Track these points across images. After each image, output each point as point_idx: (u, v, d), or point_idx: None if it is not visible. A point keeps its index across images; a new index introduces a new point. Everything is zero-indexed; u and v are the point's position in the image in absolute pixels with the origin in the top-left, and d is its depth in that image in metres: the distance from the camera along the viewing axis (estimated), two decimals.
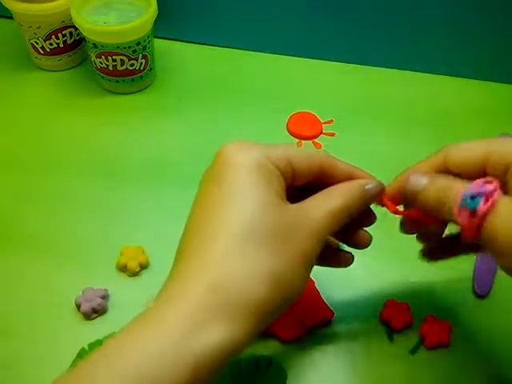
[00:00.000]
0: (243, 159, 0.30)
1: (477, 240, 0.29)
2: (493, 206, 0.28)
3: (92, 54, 0.55)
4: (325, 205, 0.31)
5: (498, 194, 0.29)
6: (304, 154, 0.33)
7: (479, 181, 0.30)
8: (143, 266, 0.44)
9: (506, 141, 0.33)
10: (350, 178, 0.34)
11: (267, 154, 0.31)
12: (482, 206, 0.28)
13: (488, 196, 0.28)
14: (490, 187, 0.29)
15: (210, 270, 0.28)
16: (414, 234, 0.37)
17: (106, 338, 0.39)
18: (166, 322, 0.27)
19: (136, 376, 0.25)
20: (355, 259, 0.44)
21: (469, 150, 0.33)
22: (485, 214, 0.28)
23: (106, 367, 0.26)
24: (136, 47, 0.54)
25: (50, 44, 0.58)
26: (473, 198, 0.29)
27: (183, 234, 0.31)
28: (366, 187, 0.34)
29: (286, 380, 0.38)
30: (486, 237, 0.29)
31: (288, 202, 0.31)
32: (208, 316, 0.26)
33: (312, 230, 0.30)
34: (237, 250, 0.28)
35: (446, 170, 0.34)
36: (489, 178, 0.30)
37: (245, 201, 0.29)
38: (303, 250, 0.30)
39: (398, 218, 0.47)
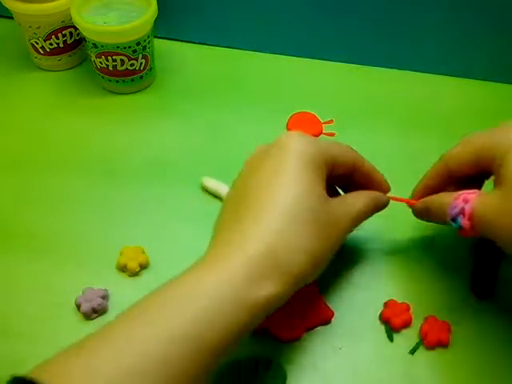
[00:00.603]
0: (303, 152, 0.36)
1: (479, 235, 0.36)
2: (471, 216, 0.35)
3: (92, 54, 0.55)
4: (351, 209, 0.38)
5: (470, 204, 0.35)
6: (345, 152, 0.40)
7: (452, 203, 0.37)
8: (143, 266, 0.44)
9: (494, 131, 0.38)
10: (369, 176, 0.42)
11: (321, 150, 0.37)
12: (463, 222, 0.36)
13: (463, 212, 0.36)
14: (460, 205, 0.36)
15: (267, 238, 0.33)
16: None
17: None
18: (227, 271, 0.32)
19: (195, 317, 0.30)
20: (355, 259, 0.44)
21: (462, 152, 0.40)
22: (469, 226, 0.36)
23: (168, 309, 0.31)
24: (136, 47, 0.54)
25: (50, 44, 0.58)
26: (454, 219, 0.37)
27: (232, 199, 0.37)
28: (380, 200, 0.42)
29: (285, 380, 0.38)
30: (481, 233, 0.36)
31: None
32: (263, 273, 0.32)
33: (342, 226, 0.37)
34: (289, 228, 0.33)
35: (449, 174, 0.40)
36: (458, 193, 0.37)
37: (300, 189, 0.34)
38: (334, 239, 0.36)
39: (398, 219, 0.47)
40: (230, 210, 0.36)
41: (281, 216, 0.33)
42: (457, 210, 0.36)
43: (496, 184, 0.36)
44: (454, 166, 0.40)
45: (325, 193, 0.36)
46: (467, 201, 0.36)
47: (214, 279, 0.32)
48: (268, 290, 0.32)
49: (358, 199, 0.39)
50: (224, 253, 0.33)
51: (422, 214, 0.42)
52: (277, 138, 0.37)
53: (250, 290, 0.31)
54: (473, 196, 0.36)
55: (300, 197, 0.34)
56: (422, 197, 0.42)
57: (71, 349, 0.31)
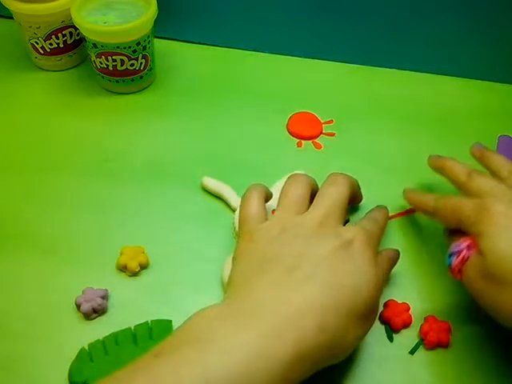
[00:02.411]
0: (374, 253, 0.37)
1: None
2: (464, 260, 0.37)
3: (92, 54, 0.55)
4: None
5: (469, 253, 0.37)
6: (382, 231, 0.42)
7: (456, 241, 0.38)
8: (143, 266, 0.44)
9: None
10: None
11: (377, 237, 0.39)
12: (454, 261, 0.38)
13: (459, 253, 0.38)
14: (462, 247, 0.38)
15: (325, 316, 0.32)
16: None
17: (107, 337, 0.39)
18: (281, 347, 0.30)
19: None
20: None
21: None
22: (457, 268, 0.38)
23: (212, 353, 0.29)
24: (136, 47, 0.54)
25: (50, 44, 0.58)
26: (450, 256, 0.38)
27: (281, 256, 0.35)
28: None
29: None
30: (464, 282, 0.38)
31: None
32: (309, 352, 0.31)
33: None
34: (346, 315, 0.33)
35: None
36: (466, 238, 0.38)
37: (370, 284, 0.35)
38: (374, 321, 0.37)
39: (398, 219, 0.47)
40: (273, 253, 0.36)
41: (344, 300, 0.33)
42: (455, 250, 0.38)
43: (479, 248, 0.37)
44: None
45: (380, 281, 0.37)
46: (470, 248, 0.37)
47: (266, 357, 0.30)
48: (309, 368, 0.32)
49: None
50: (277, 318, 0.32)
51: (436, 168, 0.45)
52: (345, 234, 0.36)
53: (295, 370, 0.31)
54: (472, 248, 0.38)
55: (366, 288, 0.34)
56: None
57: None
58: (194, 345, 0.30)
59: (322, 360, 0.32)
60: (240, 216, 0.39)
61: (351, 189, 0.40)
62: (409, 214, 0.47)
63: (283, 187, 0.41)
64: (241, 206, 0.40)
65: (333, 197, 0.39)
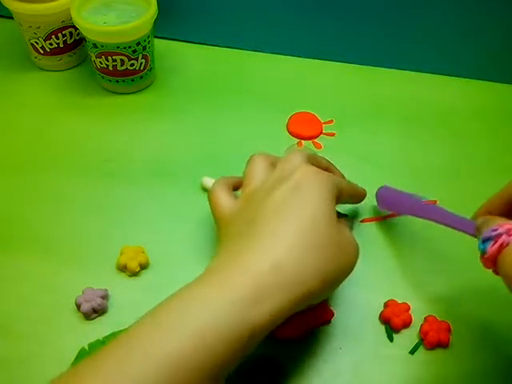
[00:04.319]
0: (325, 184, 0.37)
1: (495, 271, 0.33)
2: (502, 246, 0.32)
3: (92, 54, 0.55)
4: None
5: (508, 237, 0.32)
6: (351, 189, 0.43)
7: (495, 226, 0.33)
8: (143, 266, 0.44)
9: None
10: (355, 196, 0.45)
11: (337, 184, 0.39)
12: (489, 248, 0.32)
13: (496, 239, 0.32)
14: (501, 231, 0.32)
15: (276, 254, 0.33)
16: None
17: (107, 337, 0.39)
18: (233, 291, 0.32)
19: (199, 334, 0.30)
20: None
21: None
22: (493, 255, 0.32)
23: (171, 323, 0.31)
24: (136, 47, 0.54)
25: (50, 44, 0.58)
26: (484, 241, 0.33)
27: (243, 214, 0.37)
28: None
29: (284, 379, 0.38)
30: (500, 272, 0.32)
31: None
32: (269, 290, 0.32)
33: (351, 251, 0.37)
34: (303, 248, 0.34)
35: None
36: (505, 222, 0.33)
37: (319, 212, 0.35)
38: (343, 262, 0.36)
39: (398, 219, 0.47)
40: (240, 223, 0.37)
41: (297, 237, 0.34)
42: (493, 234, 0.32)
43: None
44: None
45: (337, 220, 0.37)
46: (511, 233, 0.32)
47: (218, 299, 0.31)
48: (273, 306, 0.32)
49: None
50: (229, 268, 0.33)
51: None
52: (293, 173, 0.37)
53: (255, 308, 0.32)
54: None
55: (318, 219, 0.35)
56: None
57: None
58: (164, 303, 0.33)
59: (293, 298, 0.33)
60: (211, 208, 0.41)
61: (308, 157, 0.41)
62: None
63: (244, 170, 0.42)
64: (209, 200, 0.41)
65: (289, 161, 0.40)
